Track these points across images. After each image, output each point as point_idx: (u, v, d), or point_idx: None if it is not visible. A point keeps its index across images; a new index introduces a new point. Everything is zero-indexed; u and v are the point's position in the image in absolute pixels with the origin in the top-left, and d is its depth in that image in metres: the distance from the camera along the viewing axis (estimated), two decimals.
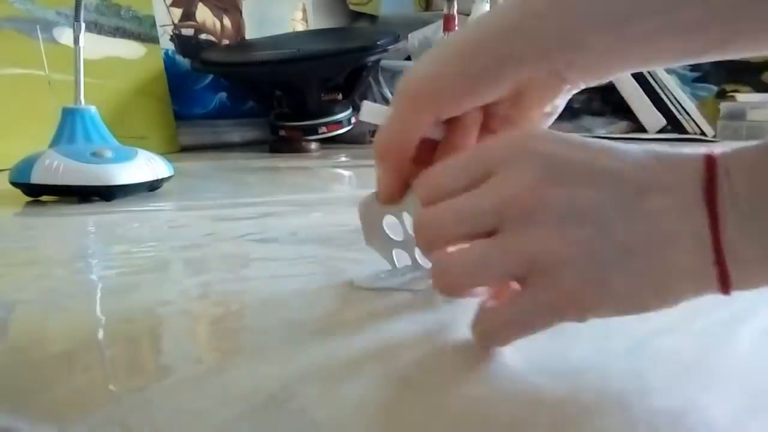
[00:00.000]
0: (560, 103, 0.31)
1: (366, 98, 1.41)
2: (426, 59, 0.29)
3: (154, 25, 1.21)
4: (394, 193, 0.33)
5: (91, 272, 0.41)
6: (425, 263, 0.36)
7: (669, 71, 1.53)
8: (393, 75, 1.42)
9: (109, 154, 0.65)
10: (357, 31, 1.60)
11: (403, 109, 0.29)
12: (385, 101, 1.42)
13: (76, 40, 0.70)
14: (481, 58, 0.28)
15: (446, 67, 0.28)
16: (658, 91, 1.47)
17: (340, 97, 1.33)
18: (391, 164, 0.31)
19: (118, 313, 0.33)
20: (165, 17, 1.27)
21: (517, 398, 0.23)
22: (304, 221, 0.58)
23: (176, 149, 1.23)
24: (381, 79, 1.41)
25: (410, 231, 0.34)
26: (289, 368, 0.25)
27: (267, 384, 0.24)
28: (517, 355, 0.27)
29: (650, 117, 1.49)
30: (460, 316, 0.29)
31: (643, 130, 1.50)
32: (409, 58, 1.53)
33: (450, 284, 0.26)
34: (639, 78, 1.47)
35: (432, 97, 0.29)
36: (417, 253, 0.37)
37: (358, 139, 1.41)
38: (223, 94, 1.38)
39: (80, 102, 0.70)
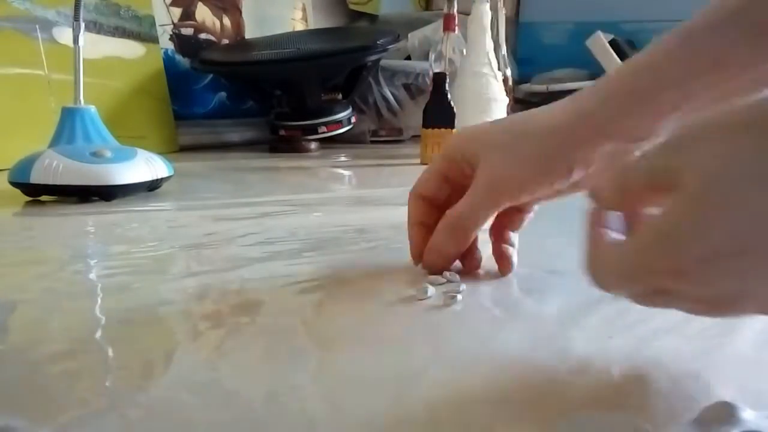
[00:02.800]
0: None
1: (366, 98, 1.41)
2: (502, 156, 0.35)
3: (153, 24, 1.21)
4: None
5: (90, 272, 0.41)
6: None
7: None
8: (393, 74, 1.42)
9: (108, 154, 0.65)
10: (357, 30, 1.60)
11: (488, 201, 0.36)
12: (385, 101, 1.42)
13: (76, 40, 0.70)
14: (556, 164, 0.34)
15: (525, 171, 0.35)
16: None
17: (339, 96, 1.33)
18: (463, 240, 0.37)
19: (118, 313, 0.33)
20: (164, 17, 1.27)
21: (516, 398, 0.23)
22: (304, 221, 0.58)
23: (176, 149, 1.22)
24: (381, 78, 1.41)
25: None
26: (289, 368, 0.25)
27: (267, 383, 0.24)
28: (517, 355, 0.27)
29: None
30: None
31: None
32: (409, 58, 1.52)
33: None
34: None
35: (514, 193, 0.36)
36: None
37: (357, 138, 1.41)
38: (222, 94, 1.38)
39: (80, 102, 0.70)
